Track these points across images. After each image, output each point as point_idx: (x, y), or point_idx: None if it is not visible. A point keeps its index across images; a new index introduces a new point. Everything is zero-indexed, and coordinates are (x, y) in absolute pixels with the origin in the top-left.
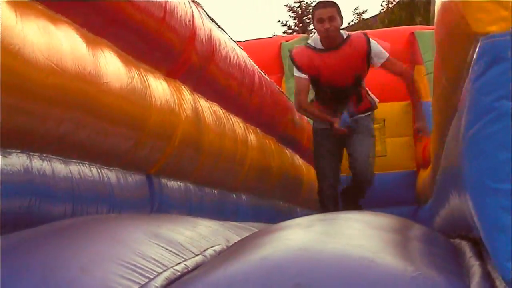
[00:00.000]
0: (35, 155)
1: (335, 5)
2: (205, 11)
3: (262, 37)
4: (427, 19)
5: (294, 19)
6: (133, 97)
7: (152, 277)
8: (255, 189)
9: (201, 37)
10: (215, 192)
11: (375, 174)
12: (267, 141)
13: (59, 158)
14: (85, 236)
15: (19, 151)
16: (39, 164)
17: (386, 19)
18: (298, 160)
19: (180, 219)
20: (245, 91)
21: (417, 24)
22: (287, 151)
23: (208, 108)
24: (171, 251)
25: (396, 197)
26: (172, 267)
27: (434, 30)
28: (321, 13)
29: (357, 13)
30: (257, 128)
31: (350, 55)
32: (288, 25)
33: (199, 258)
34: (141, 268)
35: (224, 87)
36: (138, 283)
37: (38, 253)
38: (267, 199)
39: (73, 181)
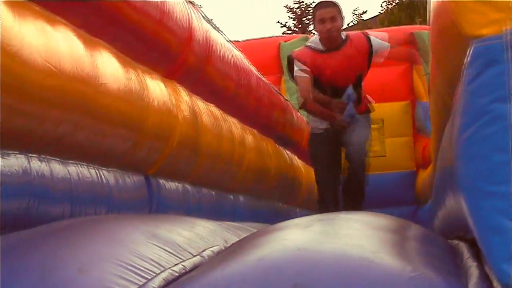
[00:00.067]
0: (34, 156)
1: (336, 5)
2: (202, 12)
3: (261, 37)
4: (426, 20)
5: (294, 20)
6: (131, 98)
7: (150, 277)
8: (253, 190)
9: (198, 38)
10: (213, 193)
11: (369, 163)
12: (264, 142)
13: (58, 159)
14: (83, 237)
15: (18, 152)
16: (37, 165)
17: (385, 20)
18: (297, 161)
19: (178, 220)
20: (242, 92)
21: (416, 25)
22: (285, 152)
23: (206, 109)
24: (169, 251)
25: (395, 198)
26: (170, 268)
27: None
28: (322, 14)
29: (356, 14)
30: (255, 129)
31: (351, 55)
32: (287, 26)
33: (197, 259)
34: (139, 269)
35: (221, 88)
36: (136, 284)
37: (36, 254)
38: (265, 200)
39: (72, 182)
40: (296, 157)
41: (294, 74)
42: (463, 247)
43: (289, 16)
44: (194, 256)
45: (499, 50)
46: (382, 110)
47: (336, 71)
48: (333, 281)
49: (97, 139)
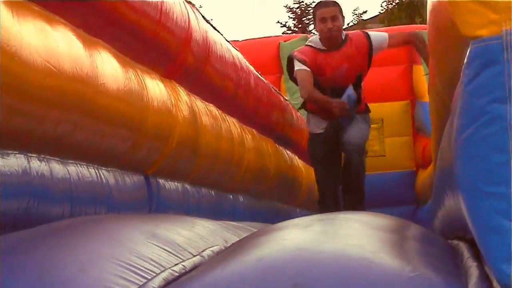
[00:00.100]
0: (33, 156)
1: (337, 4)
2: (200, 12)
3: (260, 37)
4: (426, 20)
5: (294, 20)
6: (130, 98)
7: (150, 277)
8: (252, 190)
9: (197, 38)
10: (212, 193)
11: (364, 164)
12: (264, 142)
13: (57, 159)
14: (82, 236)
15: (17, 152)
16: (37, 165)
17: (385, 20)
18: (297, 161)
19: (178, 219)
20: (241, 92)
21: (416, 25)
22: (285, 152)
23: (205, 109)
24: (169, 251)
25: (395, 197)
26: (170, 267)
27: None
28: (323, 13)
29: (356, 14)
30: (254, 129)
31: (351, 55)
32: (287, 26)
33: (197, 259)
34: (139, 269)
35: (220, 88)
36: (136, 284)
37: (35, 253)
38: (265, 200)
39: (71, 182)
40: (296, 157)
41: (295, 69)
42: (463, 247)
43: (289, 16)
44: (194, 256)
45: (498, 50)
46: (382, 110)
47: (336, 71)
48: (333, 281)
49: (97, 139)
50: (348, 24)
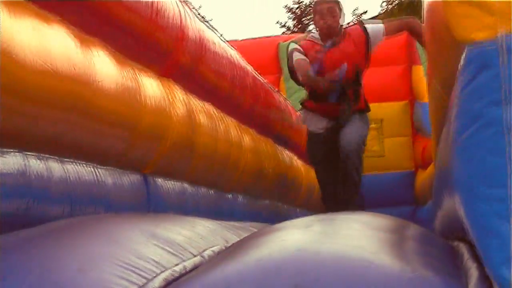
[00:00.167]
0: (31, 155)
1: (336, 0)
2: (194, 11)
3: (260, 36)
4: None
5: (293, 20)
6: (125, 96)
7: (150, 277)
8: (251, 190)
9: (191, 37)
10: (211, 192)
11: (361, 163)
12: (263, 143)
13: (55, 157)
14: (82, 236)
15: (15, 150)
16: (35, 164)
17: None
18: (297, 162)
19: (178, 219)
20: (238, 90)
21: None
22: (284, 153)
23: (201, 108)
24: (169, 251)
25: (394, 198)
26: (170, 268)
27: None
28: (322, 8)
29: (356, 14)
30: (252, 129)
31: (350, 52)
32: (287, 26)
33: (197, 259)
34: (139, 269)
35: (216, 86)
36: (137, 284)
37: (35, 253)
38: (264, 200)
39: (69, 182)
40: (295, 157)
41: (293, 60)
42: (463, 248)
43: (288, 17)
44: (195, 256)
45: (493, 54)
46: (381, 110)
47: (335, 66)
48: (333, 282)
49: (93, 137)
50: (348, 24)
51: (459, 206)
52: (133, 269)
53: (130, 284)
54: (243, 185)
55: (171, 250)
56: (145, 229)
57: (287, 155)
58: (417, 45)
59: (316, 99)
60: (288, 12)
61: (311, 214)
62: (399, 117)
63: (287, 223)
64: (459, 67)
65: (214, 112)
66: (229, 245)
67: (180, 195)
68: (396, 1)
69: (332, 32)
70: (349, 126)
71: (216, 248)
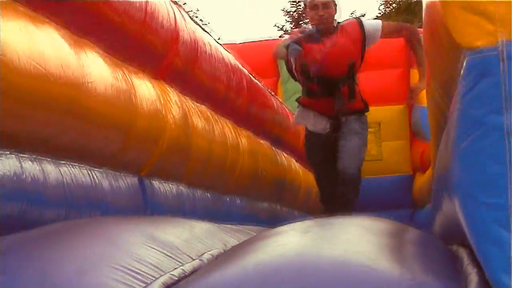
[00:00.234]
0: (25, 157)
1: None
2: (187, 13)
3: (258, 39)
4: None
5: (291, 23)
6: (118, 98)
7: (149, 282)
8: (248, 193)
9: (185, 39)
10: (208, 195)
11: (361, 176)
12: (260, 145)
13: (49, 159)
14: (81, 239)
15: (8, 152)
16: (29, 166)
17: None
18: (294, 164)
19: (177, 222)
20: (233, 92)
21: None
22: (282, 155)
23: (196, 110)
24: (168, 255)
25: (392, 201)
26: (169, 271)
27: None
28: (315, 0)
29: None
30: (249, 131)
31: (343, 44)
32: (284, 29)
33: (196, 263)
34: (138, 273)
35: (211, 88)
36: None
37: (33, 257)
38: (262, 203)
39: (65, 185)
40: (293, 160)
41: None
42: (463, 253)
43: (286, 20)
44: (194, 259)
45: (494, 61)
46: (379, 113)
47: (325, 59)
48: None
49: (88, 140)
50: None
51: (459, 212)
52: (132, 273)
53: None
54: (240, 187)
55: (170, 254)
56: (144, 232)
57: (284, 157)
58: None
59: (310, 95)
60: (286, 15)
61: (309, 217)
62: (397, 120)
63: (286, 227)
64: (460, 73)
65: (209, 114)
66: (227, 248)
67: (177, 197)
68: (394, 4)
69: (326, 24)
70: (348, 142)
71: (214, 252)
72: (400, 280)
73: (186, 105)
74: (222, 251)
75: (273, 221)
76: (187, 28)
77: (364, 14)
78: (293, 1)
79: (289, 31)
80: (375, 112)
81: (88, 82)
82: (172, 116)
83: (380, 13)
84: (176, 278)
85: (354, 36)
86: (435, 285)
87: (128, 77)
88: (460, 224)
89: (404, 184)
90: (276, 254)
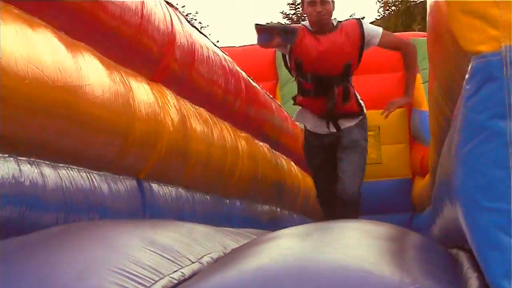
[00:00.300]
0: (24, 160)
1: None
2: (185, 16)
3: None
4: (425, 27)
5: None
6: (115, 101)
7: (148, 285)
8: (247, 196)
9: (182, 41)
10: (208, 197)
11: (361, 196)
12: (259, 148)
13: (48, 162)
14: (80, 243)
15: (9, 155)
16: (28, 169)
17: (382, 26)
18: (294, 167)
19: (176, 225)
20: (231, 96)
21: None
22: (282, 158)
23: (194, 113)
24: (167, 258)
25: (391, 205)
26: (168, 275)
27: None
28: None
29: None
30: (248, 134)
31: (340, 43)
32: None
33: (195, 266)
34: (137, 276)
35: (208, 92)
36: None
37: (32, 260)
38: (262, 206)
39: (64, 188)
40: (292, 163)
41: None
42: (463, 257)
43: (285, 23)
44: (193, 262)
45: (498, 66)
46: (378, 117)
47: (321, 57)
48: None
49: (86, 143)
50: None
51: (461, 216)
52: (131, 276)
53: None
54: (240, 190)
55: (169, 257)
56: (143, 235)
57: (284, 160)
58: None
59: (304, 94)
60: (285, 17)
61: (308, 220)
62: (396, 124)
63: (286, 230)
64: (464, 78)
65: (208, 117)
66: (227, 251)
67: (176, 200)
68: (393, 7)
69: (322, 20)
70: (347, 162)
71: (214, 255)
72: (401, 285)
73: (185, 108)
74: (222, 254)
75: (273, 224)
76: (184, 31)
77: (364, 17)
78: (292, 4)
79: None
80: (374, 116)
81: (85, 85)
82: (170, 119)
83: (379, 16)
84: (175, 281)
85: (352, 36)
86: None
87: (125, 80)
88: (461, 228)
89: (403, 187)
90: (276, 258)
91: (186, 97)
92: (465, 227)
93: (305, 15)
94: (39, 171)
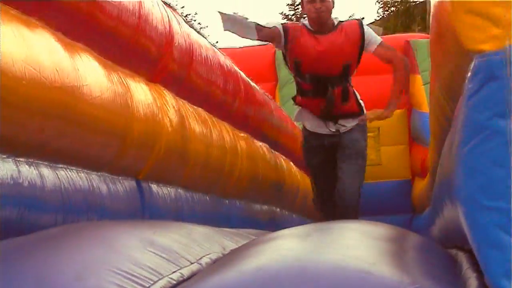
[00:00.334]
0: (22, 161)
1: None
2: (184, 16)
3: (257, 44)
4: (425, 28)
5: None
6: (113, 101)
7: (147, 285)
8: (247, 196)
9: (180, 42)
10: (207, 198)
11: (360, 196)
12: (258, 148)
13: (46, 163)
14: (79, 243)
15: (7, 156)
16: (27, 170)
17: (381, 26)
18: (293, 168)
19: (175, 226)
20: (230, 97)
21: (413, 32)
22: (281, 158)
23: (194, 114)
24: (166, 259)
25: (390, 206)
26: (167, 275)
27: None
28: None
29: None
30: (247, 135)
31: (340, 42)
32: None
33: (194, 267)
34: (136, 276)
35: (207, 92)
36: None
37: (31, 261)
38: (261, 206)
39: (63, 190)
40: (291, 163)
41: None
42: (462, 257)
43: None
44: (192, 263)
45: (500, 65)
46: None
47: (319, 57)
48: None
49: (84, 144)
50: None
51: (461, 216)
52: (130, 276)
53: None
54: (239, 190)
55: (168, 257)
56: (142, 236)
57: (283, 160)
58: (415, 53)
59: (303, 94)
60: (284, 18)
61: (308, 220)
62: (396, 125)
63: (286, 231)
64: (466, 76)
65: (207, 118)
66: (226, 252)
67: (175, 201)
68: (393, 8)
69: (321, 17)
70: (348, 164)
71: (213, 256)
72: (400, 285)
73: (183, 109)
74: (221, 255)
75: (273, 224)
76: (182, 32)
77: (363, 18)
78: (291, 5)
79: None
80: None
81: (83, 86)
82: (169, 119)
83: (378, 16)
84: (174, 282)
85: (352, 37)
86: None
87: (123, 80)
88: (461, 228)
89: (403, 189)
90: (275, 258)
91: (185, 97)
92: (465, 226)
93: (304, 15)
94: (37, 171)
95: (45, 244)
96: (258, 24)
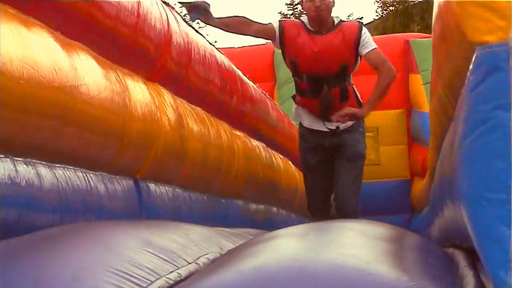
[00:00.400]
0: (20, 160)
1: None
2: (182, 16)
3: (256, 44)
4: (424, 27)
5: None
6: (112, 101)
7: (145, 285)
8: (244, 196)
9: (178, 40)
10: (204, 197)
11: (358, 205)
12: (255, 148)
13: (44, 162)
14: (76, 244)
15: (5, 156)
16: (25, 170)
17: (380, 26)
18: (291, 167)
19: (173, 226)
20: (227, 96)
21: (412, 32)
22: (278, 157)
23: (191, 113)
24: (164, 259)
25: (389, 206)
26: (165, 275)
27: (430, 39)
28: None
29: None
30: (244, 134)
31: (337, 43)
32: None
33: (192, 266)
34: (133, 277)
35: (205, 91)
36: None
37: (29, 261)
38: (258, 205)
39: (60, 190)
40: (289, 162)
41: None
42: (459, 256)
43: None
44: (189, 263)
45: (503, 57)
46: (377, 118)
47: (315, 57)
48: None
49: (82, 143)
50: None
51: (462, 210)
52: (128, 277)
53: None
54: (236, 190)
55: (166, 258)
56: (139, 236)
57: (280, 159)
58: (415, 54)
59: (301, 94)
60: (283, 17)
61: (306, 219)
62: (395, 125)
63: (283, 230)
64: (468, 68)
65: (205, 117)
66: (224, 252)
67: (173, 200)
68: (391, 7)
69: (322, 16)
70: (345, 170)
71: (210, 256)
72: (397, 284)
73: (181, 108)
74: (218, 255)
75: (270, 223)
76: (180, 31)
77: (362, 17)
78: (290, 4)
79: None
80: (373, 117)
81: (81, 85)
82: (167, 118)
83: (377, 16)
84: (172, 282)
85: (349, 39)
86: None
87: (121, 79)
88: (460, 227)
89: (402, 189)
90: (273, 258)
91: (183, 96)
92: (466, 218)
93: (304, 14)
94: (35, 171)
95: (43, 244)
96: (248, 19)
